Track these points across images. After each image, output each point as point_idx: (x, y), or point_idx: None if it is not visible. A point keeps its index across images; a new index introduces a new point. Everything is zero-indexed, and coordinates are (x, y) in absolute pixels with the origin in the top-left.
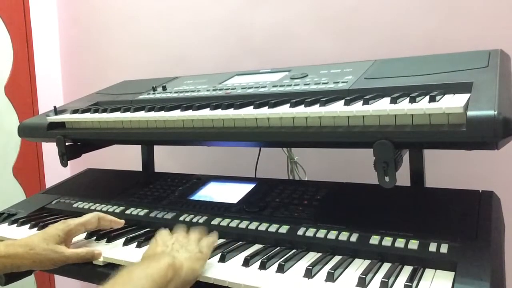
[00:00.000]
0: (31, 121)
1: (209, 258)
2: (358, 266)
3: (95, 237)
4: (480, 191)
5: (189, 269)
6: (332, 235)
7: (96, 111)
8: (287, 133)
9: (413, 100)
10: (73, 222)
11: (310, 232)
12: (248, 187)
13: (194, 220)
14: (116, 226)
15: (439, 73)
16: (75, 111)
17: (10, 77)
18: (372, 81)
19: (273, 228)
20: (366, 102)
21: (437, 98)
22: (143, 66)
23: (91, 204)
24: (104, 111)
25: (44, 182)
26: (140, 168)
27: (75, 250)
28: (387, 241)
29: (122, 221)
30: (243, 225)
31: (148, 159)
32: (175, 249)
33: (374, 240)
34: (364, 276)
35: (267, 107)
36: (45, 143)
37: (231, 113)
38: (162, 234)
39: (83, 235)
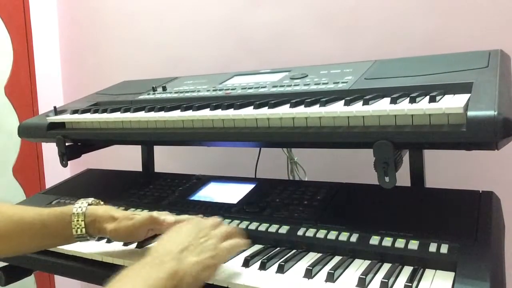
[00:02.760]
0: (31, 121)
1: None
2: (358, 266)
3: (96, 237)
4: (480, 191)
5: (191, 277)
6: (332, 235)
7: (96, 111)
8: (287, 133)
9: (413, 100)
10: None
11: (310, 233)
12: (248, 187)
13: None
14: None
15: (439, 73)
16: (75, 112)
17: (10, 77)
18: (372, 81)
19: (273, 228)
20: (366, 103)
21: (437, 98)
22: (143, 66)
23: None
24: (104, 111)
25: (44, 182)
26: (140, 168)
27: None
28: (387, 241)
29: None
30: (243, 225)
31: (148, 159)
32: (188, 251)
33: (374, 240)
34: (364, 277)
35: (267, 107)
36: (45, 143)
37: (231, 113)
38: (188, 224)
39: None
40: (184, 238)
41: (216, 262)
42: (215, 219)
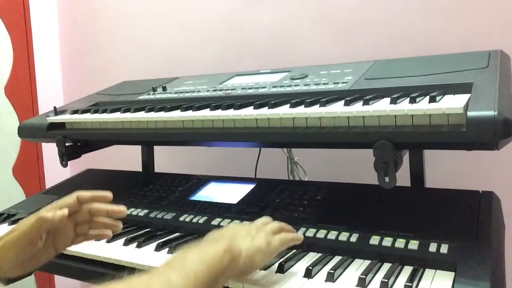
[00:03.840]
0: (31, 121)
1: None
2: (358, 266)
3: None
4: (480, 191)
5: (247, 257)
6: (332, 235)
7: (96, 111)
8: (287, 133)
9: (413, 100)
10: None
11: (310, 232)
12: (248, 187)
13: (194, 220)
14: (112, 223)
15: (439, 73)
16: (75, 112)
17: (10, 77)
18: (372, 82)
19: None
20: (366, 103)
21: (437, 98)
22: (143, 67)
23: None
24: (104, 111)
25: (44, 182)
26: (140, 168)
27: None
28: (387, 241)
29: (107, 195)
30: None
31: (148, 159)
32: (241, 236)
33: (374, 240)
34: (364, 276)
35: (267, 107)
36: (45, 143)
37: (231, 113)
38: (239, 224)
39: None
40: (237, 229)
41: (269, 250)
42: (265, 218)
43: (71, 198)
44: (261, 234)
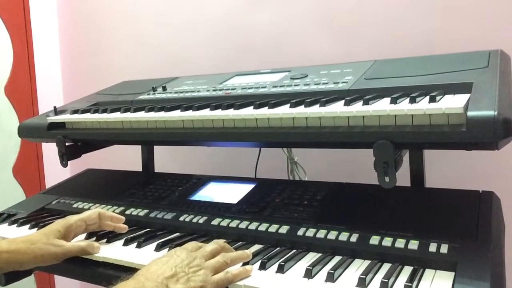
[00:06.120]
0: (31, 121)
1: None
2: (358, 266)
3: (95, 237)
4: (480, 191)
5: None
6: (332, 235)
7: (96, 111)
8: (287, 133)
9: (413, 100)
10: (73, 217)
11: (310, 233)
12: (248, 187)
13: (194, 220)
14: (118, 225)
15: (439, 73)
16: (75, 112)
17: (10, 77)
18: (372, 82)
19: (273, 228)
20: (366, 103)
21: (437, 98)
22: (143, 67)
23: (91, 204)
24: (104, 111)
25: (44, 182)
26: (140, 168)
27: (75, 242)
28: (387, 241)
29: (123, 218)
30: (243, 225)
31: (148, 159)
32: (175, 278)
33: (374, 240)
34: (364, 277)
35: (267, 107)
36: (45, 143)
37: (231, 113)
38: (184, 251)
39: (83, 236)
40: (174, 265)
41: None
42: (216, 245)
43: (95, 213)
44: (199, 274)
